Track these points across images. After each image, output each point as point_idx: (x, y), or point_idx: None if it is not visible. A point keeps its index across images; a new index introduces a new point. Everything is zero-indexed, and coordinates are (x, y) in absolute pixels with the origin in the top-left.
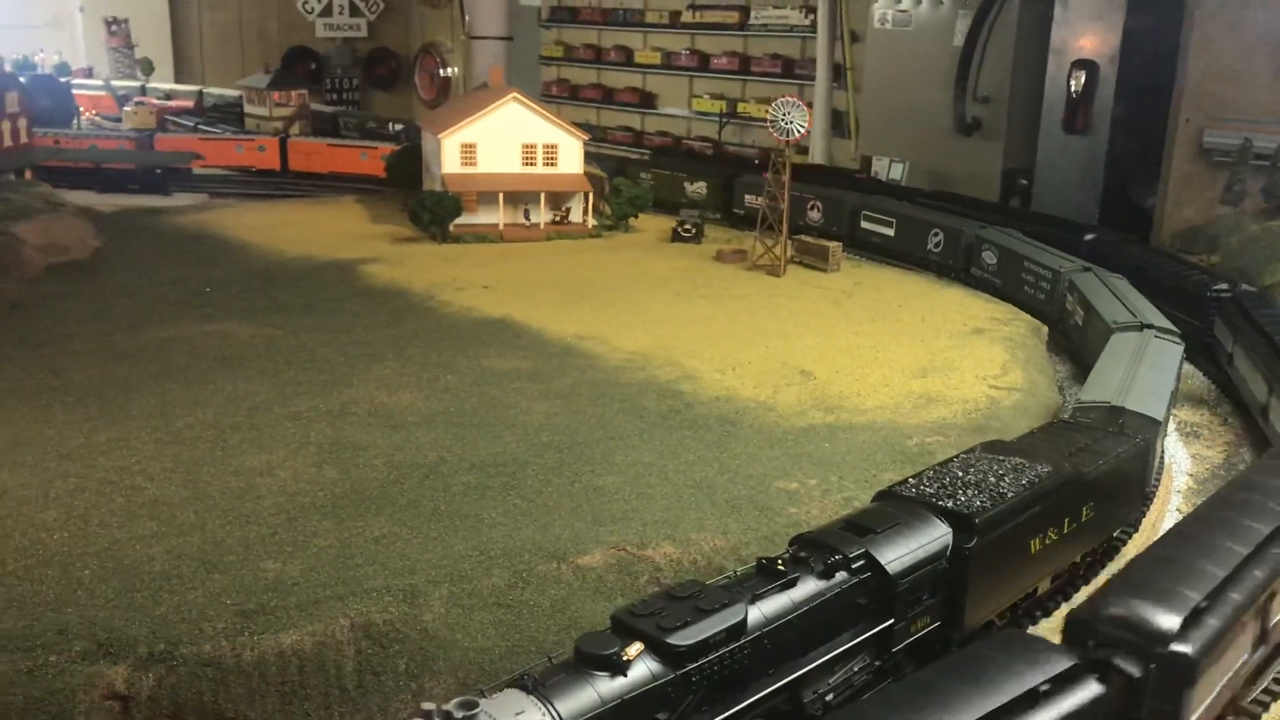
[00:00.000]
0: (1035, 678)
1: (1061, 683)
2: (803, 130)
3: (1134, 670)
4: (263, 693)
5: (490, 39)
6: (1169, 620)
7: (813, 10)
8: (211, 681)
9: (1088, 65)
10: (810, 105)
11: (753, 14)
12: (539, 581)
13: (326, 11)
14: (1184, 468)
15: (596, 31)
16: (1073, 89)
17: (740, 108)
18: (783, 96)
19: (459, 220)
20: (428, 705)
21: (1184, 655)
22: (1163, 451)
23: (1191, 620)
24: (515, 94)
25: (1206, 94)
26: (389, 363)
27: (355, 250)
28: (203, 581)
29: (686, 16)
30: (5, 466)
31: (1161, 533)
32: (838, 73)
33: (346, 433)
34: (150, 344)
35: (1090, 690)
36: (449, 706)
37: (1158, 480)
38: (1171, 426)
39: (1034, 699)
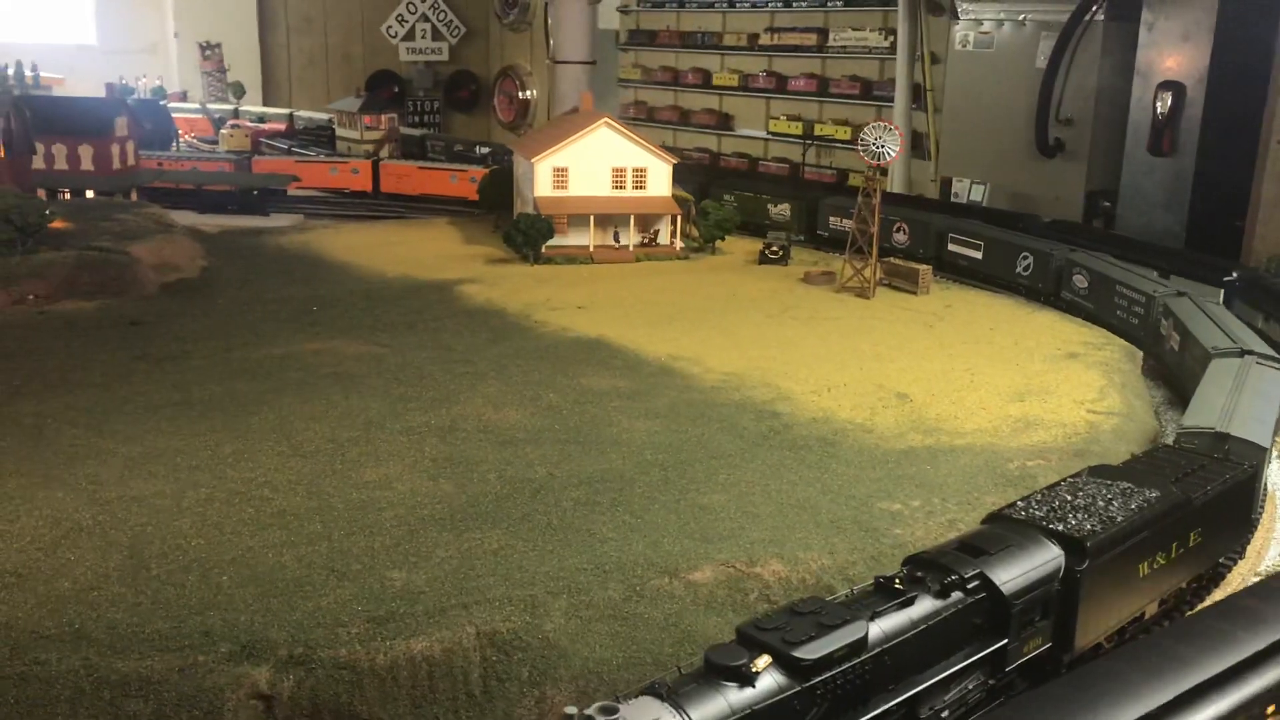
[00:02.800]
0: None
1: None
2: (894, 154)
3: None
4: (395, 696)
5: (574, 63)
6: None
7: (892, 32)
8: (348, 684)
9: (1174, 86)
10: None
11: (831, 36)
12: (652, 595)
13: (409, 36)
14: None
15: (674, 54)
16: (1159, 110)
17: (817, 129)
18: (875, 120)
19: (550, 242)
20: (570, 709)
21: None
22: (1267, 479)
23: None
24: (606, 119)
25: None
26: (492, 381)
27: (452, 271)
28: (333, 589)
29: (764, 39)
30: (142, 476)
31: (1267, 560)
32: (917, 94)
33: (458, 448)
34: (265, 361)
35: None
36: (590, 711)
37: (1262, 508)
38: (1275, 454)
39: None
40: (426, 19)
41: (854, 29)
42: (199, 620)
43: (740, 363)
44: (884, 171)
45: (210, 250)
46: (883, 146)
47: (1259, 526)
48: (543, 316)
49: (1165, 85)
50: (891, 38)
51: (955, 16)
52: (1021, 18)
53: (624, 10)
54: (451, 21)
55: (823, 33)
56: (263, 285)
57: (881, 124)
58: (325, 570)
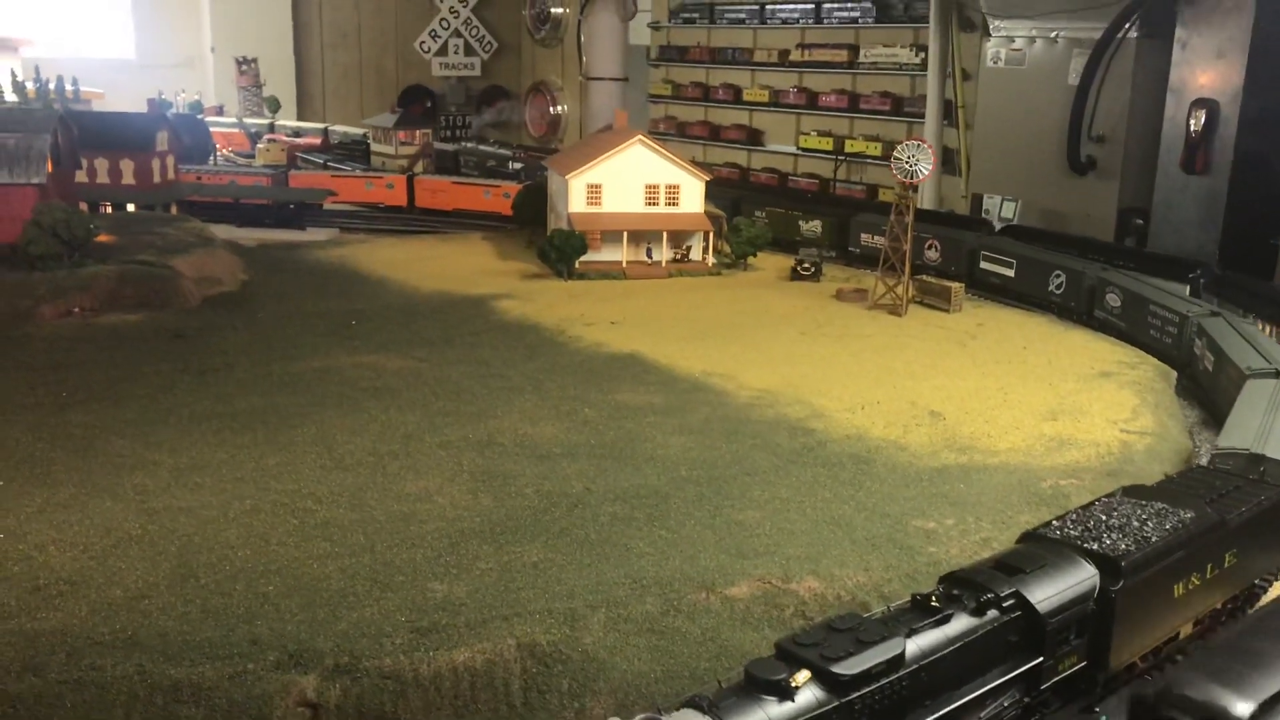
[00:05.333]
0: None
1: None
2: (926, 172)
3: None
4: (438, 706)
5: (606, 80)
6: (1242, 707)
7: (923, 48)
8: (392, 694)
9: (1208, 104)
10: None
11: (862, 52)
12: (689, 610)
13: (442, 51)
14: None
15: (705, 70)
16: (1192, 128)
17: (848, 145)
18: (907, 137)
19: (583, 258)
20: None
21: None
22: None
23: (1265, 710)
24: (640, 136)
25: None
26: (528, 396)
27: (486, 286)
28: (377, 600)
29: (795, 55)
30: (188, 487)
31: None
32: (948, 110)
33: (496, 462)
34: (305, 374)
35: None
36: None
37: None
38: None
39: None
40: (459, 34)
41: (885, 45)
42: (247, 629)
43: (773, 379)
44: (915, 189)
45: (249, 264)
46: (915, 164)
47: None
48: (577, 332)
49: (1199, 103)
50: (922, 54)
51: (987, 33)
52: (1054, 35)
53: (655, 26)
54: (484, 37)
55: (854, 49)
56: (301, 299)
57: (914, 142)
58: (369, 581)
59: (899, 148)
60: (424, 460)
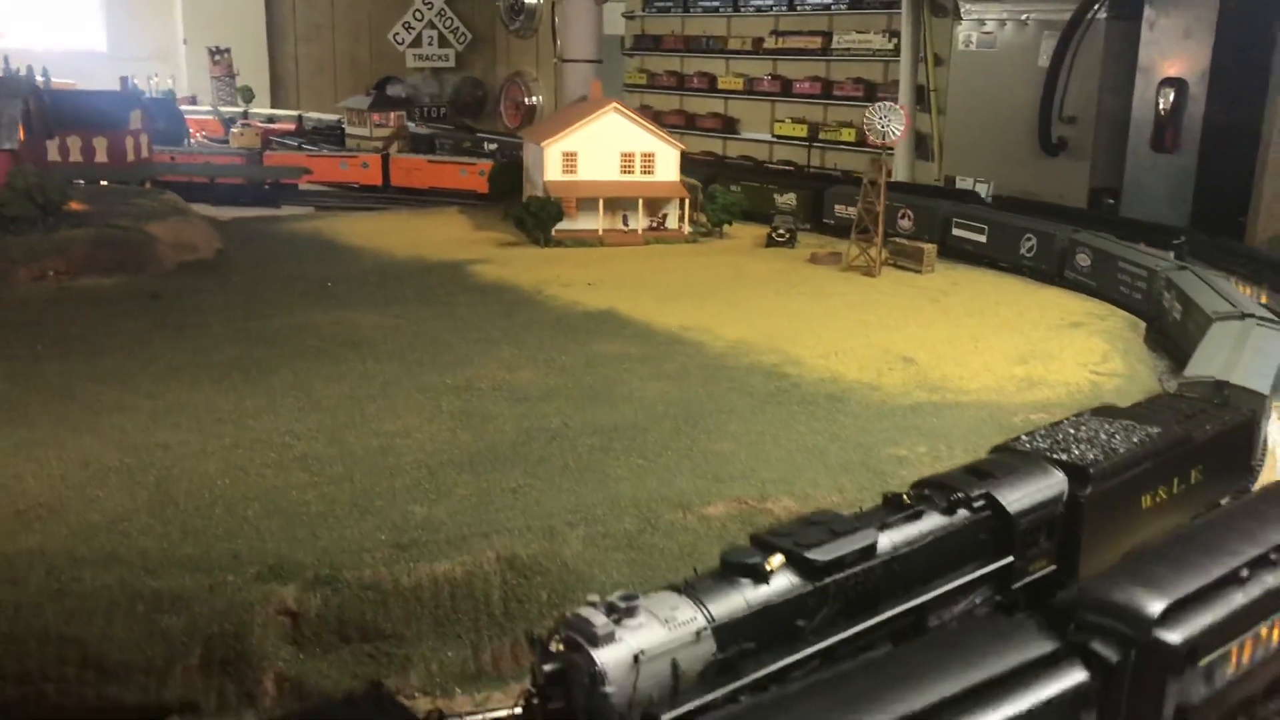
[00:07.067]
0: (1014, 659)
1: (1041, 666)
2: (899, 133)
3: (1112, 656)
4: (419, 615)
5: (581, 62)
6: (1154, 606)
7: (896, 34)
8: (372, 603)
9: (1176, 83)
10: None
11: (835, 39)
12: (667, 528)
13: (416, 42)
14: None
15: (679, 59)
16: (1161, 107)
17: (822, 133)
18: (880, 100)
19: (560, 225)
20: (592, 597)
21: (1166, 644)
22: (1267, 431)
23: (1178, 609)
24: (615, 104)
25: None
26: (506, 347)
27: (463, 253)
28: (357, 521)
29: (769, 42)
30: (165, 427)
31: None
32: (920, 95)
33: (474, 403)
34: (282, 329)
35: (1073, 676)
36: (612, 598)
37: (1263, 459)
38: (1276, 415)
39: (1013, 680)
40: (433, 26)
41: (858, 32)
42: (227, 546)
43: (749, 332)
44: (890, 150)
45: (225, 234)
46: (888, 125)
47: (1259, 478)
48: (554, 292)
49: (1167, 82)
50: (895, 40)
51: (958, 17)
52: (1024, 17)
53: (629, 16)
54: (458, 28)
55: (827, 36)
56: (277, 265)
57: (886, 104)
58: (348, 506)
59: (870, 109)
60: (402, 403)
